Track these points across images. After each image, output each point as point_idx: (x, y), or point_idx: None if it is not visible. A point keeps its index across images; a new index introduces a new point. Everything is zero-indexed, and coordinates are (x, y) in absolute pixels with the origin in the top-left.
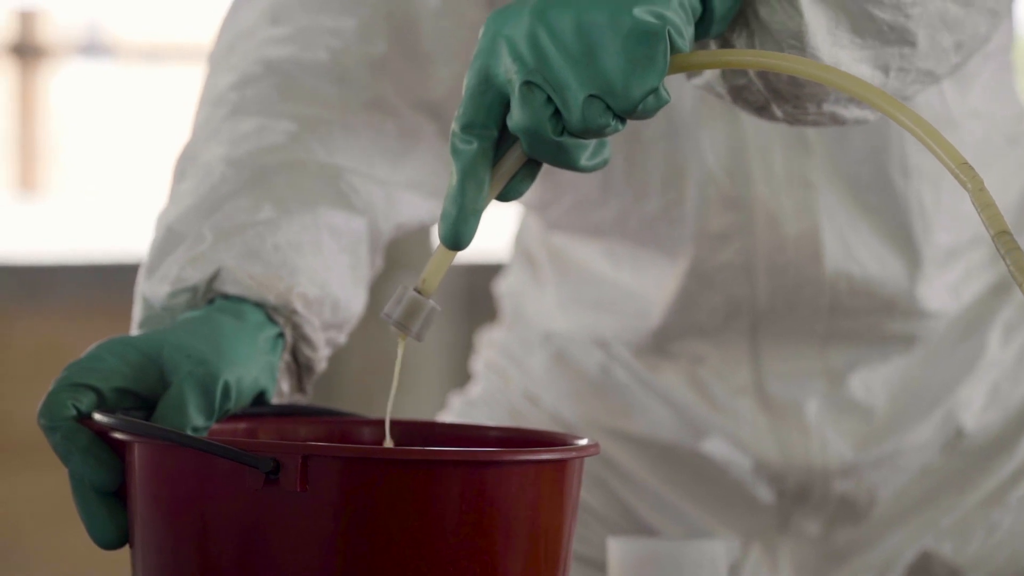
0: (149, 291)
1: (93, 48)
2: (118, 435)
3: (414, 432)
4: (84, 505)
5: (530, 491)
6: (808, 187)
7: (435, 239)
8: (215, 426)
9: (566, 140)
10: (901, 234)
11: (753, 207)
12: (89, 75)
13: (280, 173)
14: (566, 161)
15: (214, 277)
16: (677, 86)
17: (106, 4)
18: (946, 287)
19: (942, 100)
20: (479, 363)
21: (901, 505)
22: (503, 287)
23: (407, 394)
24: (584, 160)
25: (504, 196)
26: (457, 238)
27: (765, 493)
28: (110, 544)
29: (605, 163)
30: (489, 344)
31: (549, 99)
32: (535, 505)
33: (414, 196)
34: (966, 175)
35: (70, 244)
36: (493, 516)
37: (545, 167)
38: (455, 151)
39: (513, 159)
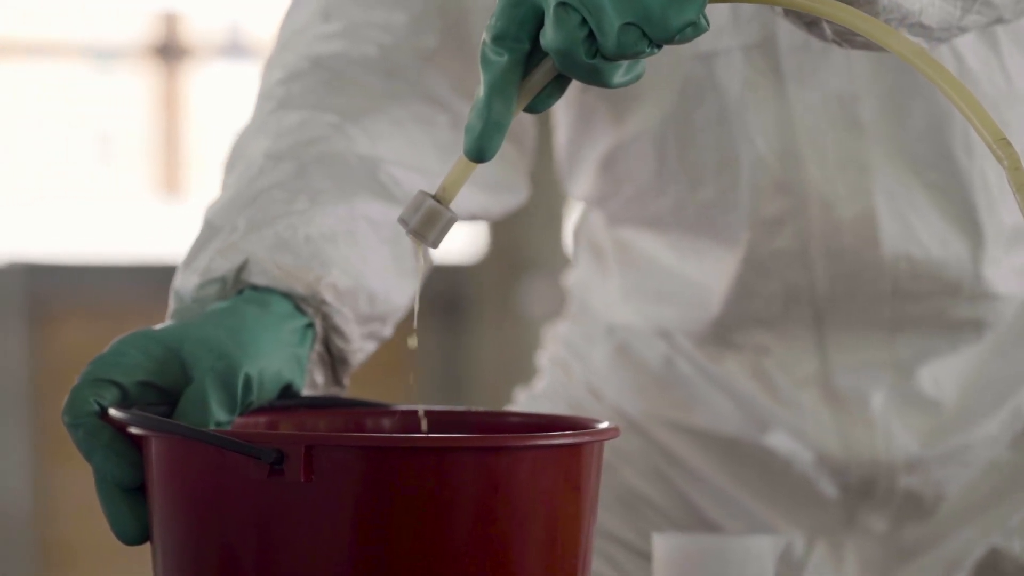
0: (180, 283)
1: (234, 49)
2: (133, 430)
3: (444, 421)
4: (107, 501)
5: (544, 478)
6: (862, 169)
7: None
8: (238, 420)
9: (599, 63)
10: (964, 213)
11: (806, 191)
12: (229, 76)
13: (318, 165)
14: (599, 80)
15: (242, 268)
16: (727, 69)
17: (246, 5)
18: (1013, 270)
19: (1006, 77)
20: (544, 357)
21: (969, 501)
22: (570, 280)
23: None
24: (617, 78)
25: (531, 109)
26: (481, 151)
27: (829, 488)
28: (132, 540)
29: (638, 78)
30: (554, 338)
31: (584, 21)
32: (551, 492)
33: (469, 188)
34: (1003, 151)
35: None
36: (506, 505)
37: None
38: (484, 61)
39: (542, 73)
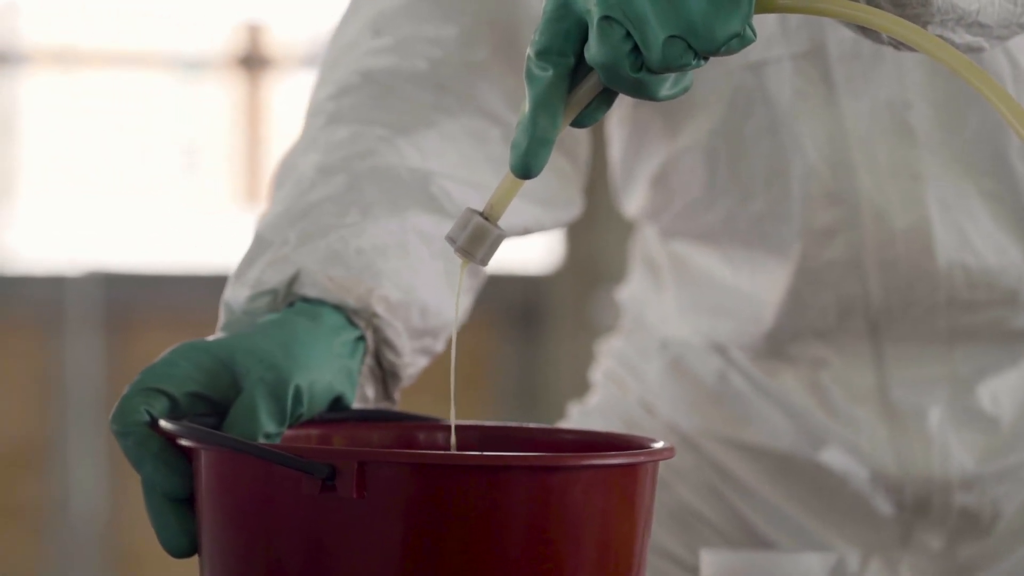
0: (231, 296)
1: (315, 60)
2: (183, 441)
3: (490, 436)
4: (156, 513)
5: (598, 497)
6: (915, 178)
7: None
8: (288, 432)
9: (644, 76)
10: (1020, 221)
11: (858, 200)
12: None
13: (370, 178)
14: (645, 94)
15: (293, 280)
16: (777, 79)
17: (328, 16)
18: None
19: None
20: (598, 372)
21: None
22: (624, 295)
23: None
24: (664, 91)
25: (578, 123)
26: (527, 167)
27: (884, 505)
28: (181, 552)
29: (686, 91)
30: (608, 353)
31: (628, 34)
32: (604, 512)
33: (522, 203)
34: None
35: None
36: (559, 524)
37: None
38: (529, 77)
39: (588, 87)
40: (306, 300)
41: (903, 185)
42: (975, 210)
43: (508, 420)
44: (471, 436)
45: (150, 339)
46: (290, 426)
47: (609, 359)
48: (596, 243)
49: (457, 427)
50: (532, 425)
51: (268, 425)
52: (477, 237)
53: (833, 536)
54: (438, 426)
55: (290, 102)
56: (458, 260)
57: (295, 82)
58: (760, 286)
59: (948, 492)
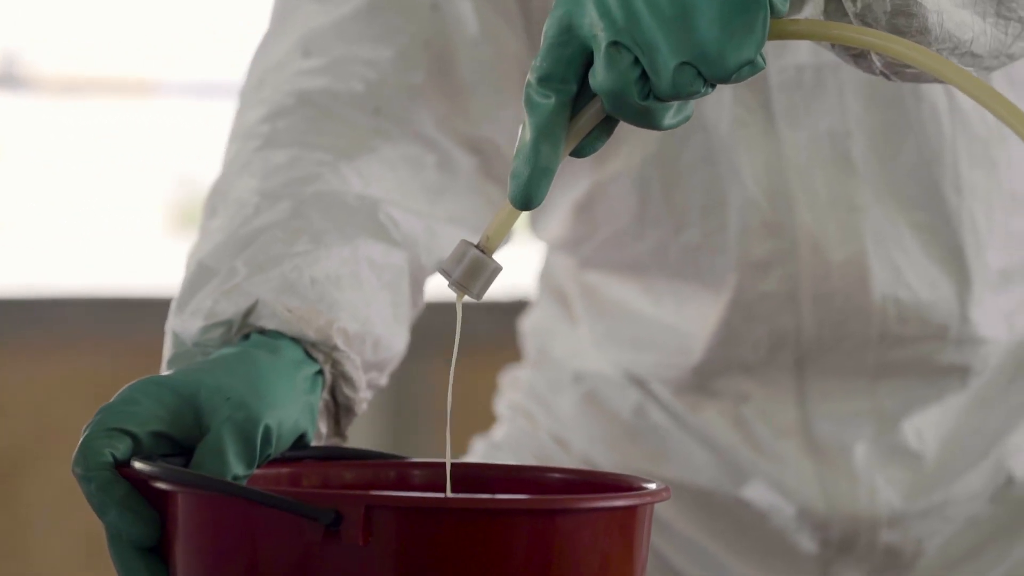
0: (180, 326)
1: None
2: (162, 485)
3: (468, 475)
4: (122, 561)
5: (603, 539)
6: (853, 209)
7: None
8: (257, 471)
9: (652, 104)
10: (952, 254)
11: (796, 232)
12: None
13: (315, 205)
14: (649, 123)
15: (250, 311)
16: (715, 107)
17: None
18: (1000, 313)
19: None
20: (502, 404)
21: (947, 556)
22: (527, 325)
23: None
24: (668, 120)
25: (578, 152)
26: (528, 199)
27: (807, 543)
28: None
29: (687, 119)
30: (513, 385)
31: (636, 61)
32: (607, 554)
33: (456, 229)
34: None
35: None
36: (565, 566)
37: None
38: (530, 104)
39: (590, 115)
40: (262, 332)
41: (841, 217)
42: (907, 243)
43: None
44: (439, 475)
45: None
46: (257, 467)
47: (515, 391)
48: None
49: (427, 464)
50: (518, 463)
51: (236, 467)
52: (474, 270)
53: (753, 573)
54: (411, 464)
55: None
56: (403, 289)
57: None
58: (688, 319)
59: (875, 530)
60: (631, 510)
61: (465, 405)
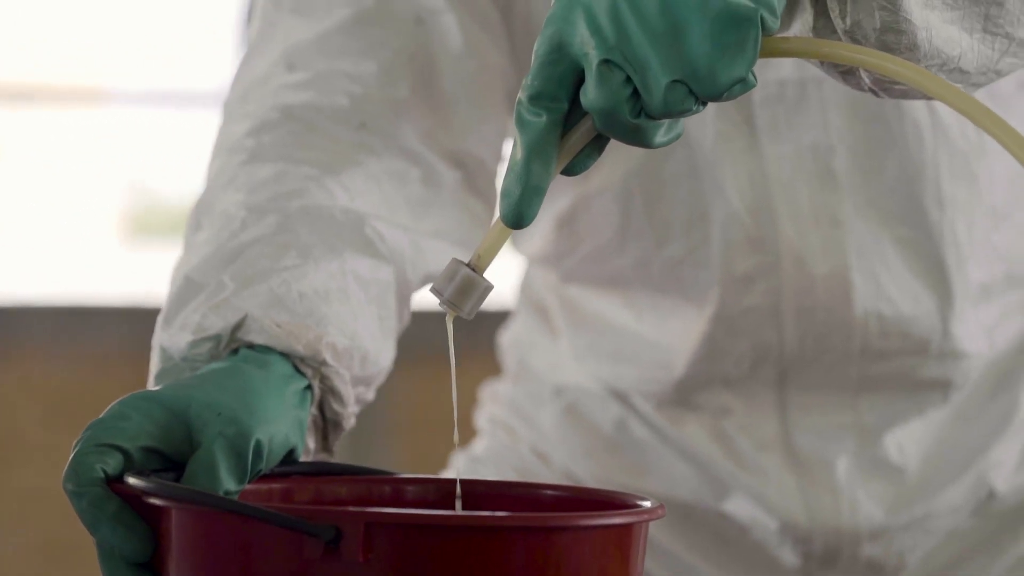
0: (168, 341)
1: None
2: (158, 501)
3: (466, 492)
4: None
5: (600, 557)
6: (836, 224)
7: None
8: (248, 487)
9: (643, 122)
10: (934, 269)
11: (779, 247)
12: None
13: (301, 219)
14: (640, 141)
15: (239, 325)
16: (699, 122)
17: None
18: (981, 328)
19: (977, 131)
20: (483, 418)
21: (929, 569)
22: (506, 339)
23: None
24: (659, 138)
25: (568, 171)
26: (519, 217)
27: (790, 557)
28: None
29: (678, 137)
30: (493, 398)
31: (628, 79)
32: (603, 572)
33: (441, 244)
34: None
35: None
36: None
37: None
38: (521, 123)
39: (581, 133)
40: (251, 347)
41: (824, 232)
42: (889, 258)
43: None
44: (439, 491)
45: None
46: (248, 482)
47: (495, 405)
48: None
49: (427, 482)
50: (509, 480)
51: (228, 482)
52: (465, 289)
53: None
54: (404, 480)
55: None
56: (390, 303)
57: None
58: (671, 333)
59: (857, 543)
60: (628, 528)
61: (441, 417)
